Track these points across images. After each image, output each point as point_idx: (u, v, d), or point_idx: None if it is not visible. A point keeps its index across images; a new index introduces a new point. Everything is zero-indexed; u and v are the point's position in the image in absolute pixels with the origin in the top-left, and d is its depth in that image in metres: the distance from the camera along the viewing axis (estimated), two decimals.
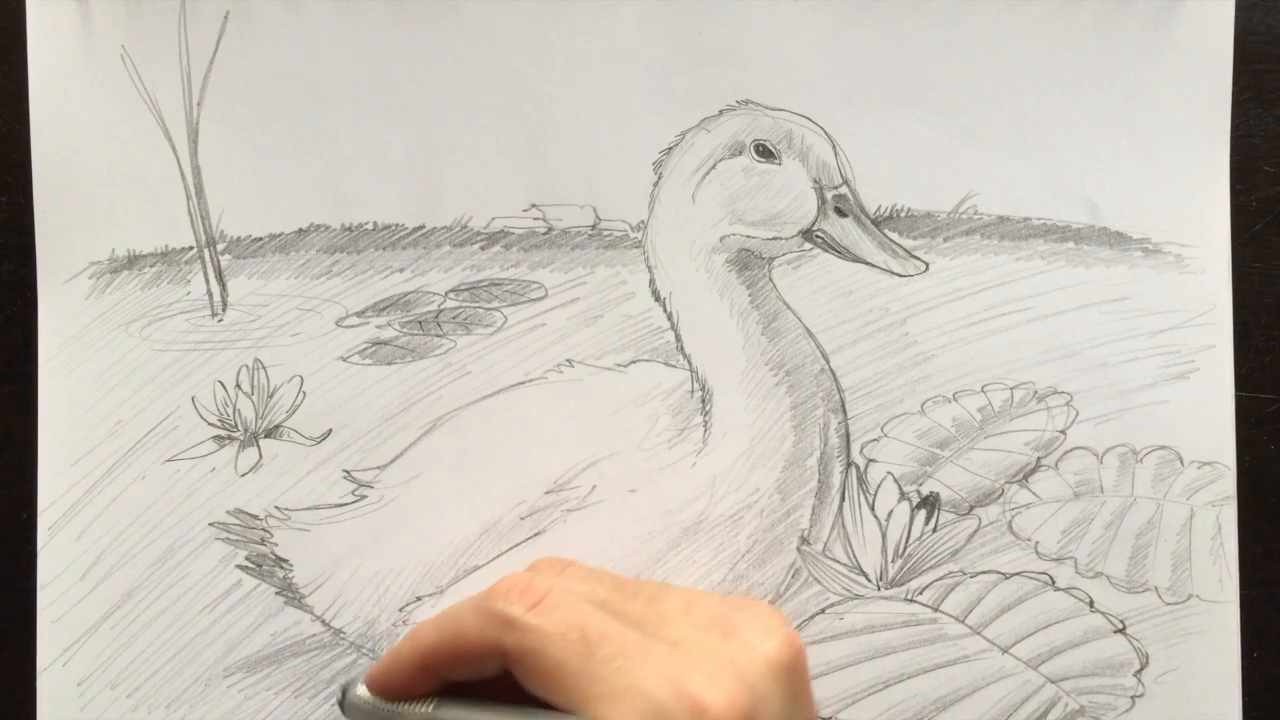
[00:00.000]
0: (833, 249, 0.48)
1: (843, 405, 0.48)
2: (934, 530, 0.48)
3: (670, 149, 0.48)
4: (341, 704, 0.43)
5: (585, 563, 0.45)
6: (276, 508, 0.48)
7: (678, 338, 0.48)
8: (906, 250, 0.48)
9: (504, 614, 0.40)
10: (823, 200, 0.48)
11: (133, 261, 0.48)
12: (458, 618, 0.41)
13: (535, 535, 0.48)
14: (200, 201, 0.48)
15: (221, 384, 0.48)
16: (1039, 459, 0.49)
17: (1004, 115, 0.48)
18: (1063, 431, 0.48)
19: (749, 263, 0.49)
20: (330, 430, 0.48)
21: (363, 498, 0.48)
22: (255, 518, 0.48)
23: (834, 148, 0.48)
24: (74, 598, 0.47)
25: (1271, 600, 0.49)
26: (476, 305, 0.49)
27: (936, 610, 0.48)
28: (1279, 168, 0.49)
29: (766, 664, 0.39)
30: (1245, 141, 0.49)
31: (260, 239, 0.48)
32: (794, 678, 0.40)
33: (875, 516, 0.48)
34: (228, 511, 0.48)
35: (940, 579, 0.48)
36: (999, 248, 0.48)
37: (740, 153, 0.48)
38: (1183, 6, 0.48)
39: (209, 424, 0.48)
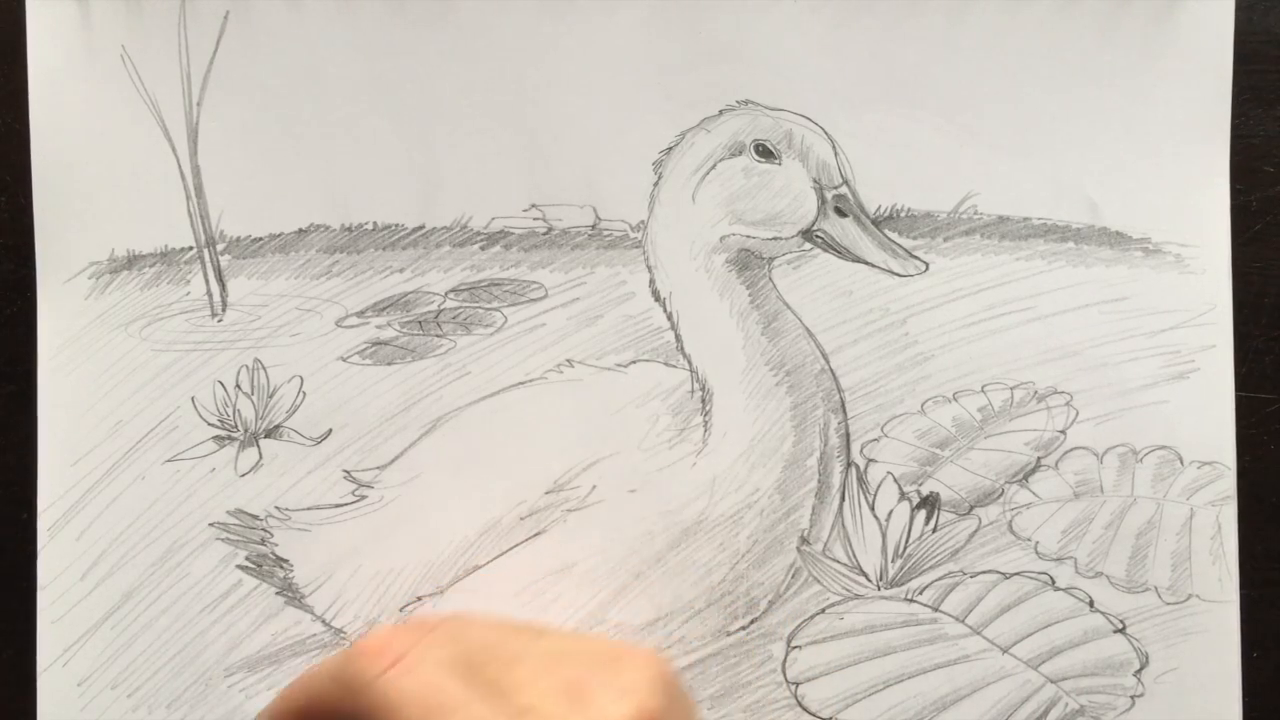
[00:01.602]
0: (833, 249, 0.48)
1: (843, 405, 0.48)
2: (934, 530, 0.48)
3: (670, 149, 0.48)
4: None
5: (457, 618, 0.44)
6: (277, 508, 0.48)
7: (678, 338, 0.48)
8: (906, 250, 0.48)
9: (355, 676, 0.39)
10: (823, 200, 0.48)
11: (132, 262, 0.48)
12: (315, 680, 0.41)
13: (535, 535, 0.48)
14: (200, 201, 0.48)
15: (221, 384, 0.48)
16: (1039, 459, 0.49)
17: (1004, 115, 0.48)
18: (1063, 431, 0.48)
19: (749, 263, 0.49)
20: (330, 430, 0.48)
21: (363, 498, 0.48)
22: (255, 518, 0.48)
23: (834, 148, 0.48)
24: (74, 598, 0.47)
25: (1271, 600, 0.49)
26: (476, 305, 0.49)
27: (936, 610, 0.48)
28: (1279, 168, 0.49)
29: None
30: (1245, 141, 0.49)
31: (260, 239, 0.48)
32: None
33: (875, 516, 0.48)
34: (228, 512, 0.48)
35: (940, 579, 0.48)
36: (999, 248, 0.48)
37: (740, 153, 0.48)
38: (1183, 6, 0.48)
39: (209, 424, 0.48)
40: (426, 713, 0.38)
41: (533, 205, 0.48)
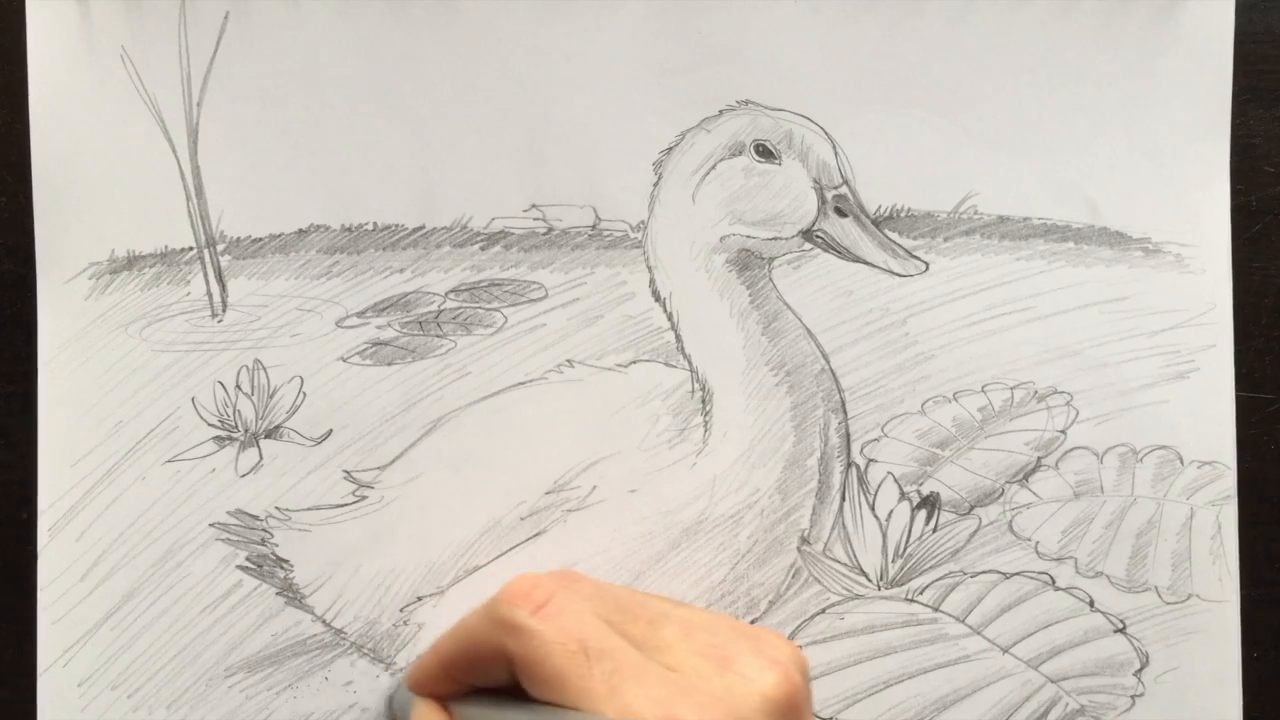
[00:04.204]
0: (833, 249, 0.48)
1: (843, 405, 0.48)
2: (934, 530, 0.48)
3: (670, 149, 0.48)
4: (391, 700, 0.47)
5: (592, 578, 0.45)
6: (277, 508, 0.48)
7: (678, 338, 0.48)
8: (906, 250, 0.48)
9: (508, 619, 0.40)
10: (823, 200, 0.48)
11: (132, 262, 0.48)
12: (469, 624, 0.42)
13: (535, 535, 0.48)
14: (200, 202, 0.48)
15: (221, 384, 0.48)
16: (1039, 459, 0.49)
17: (1004, 115, 0.48)
18: (1063, 431, 0.48)
19: (749, 263, 0.49)
20: (330, 431, 0.48)
21: (363, 498, 0.48)
22: (256, 518, 0.48)
23: (834, 148, 0.48)
24: (74, 598, 0.47)
25: (1271, 600, 0.49)
26: (476, 306, 0.49)
27: (937, 610, 0.48)
28: (1279, 168, 0.49)
29: (761, 699, 0.39)
30: (1245, 141, 0.49)
31: (260, 239, 0.48)
32: (788, 715, 0.39)
33: (875, 516, 0.48)
34: (228, 512, 0.48)
35: (940, 579, 0.48)
36: (999, 248, 0.48)
37: (740, 153, 0.48)
38: (1183, 6, 0.48)
39: (209, 425, 0.48)
40: (579, 652, 0.38)
41: (533, 205, 0.48)
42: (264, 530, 0.48)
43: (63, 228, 0.48)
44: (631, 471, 0.48)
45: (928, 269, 0.48)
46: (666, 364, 0.48)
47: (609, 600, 0.42)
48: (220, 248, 0.48)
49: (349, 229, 0.48)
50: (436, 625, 0.48)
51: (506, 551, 0.48)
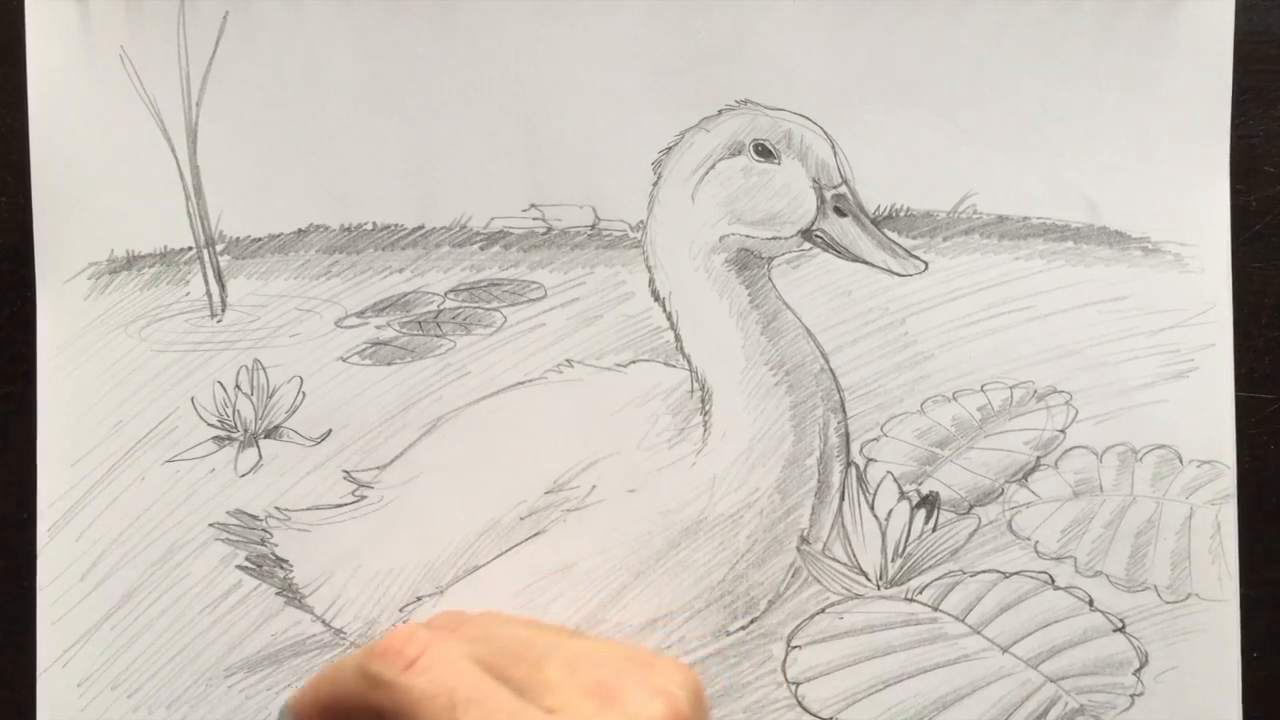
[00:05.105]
0: (832, 248, 0.48)
1: (842, 405, 0.48)
2: (934, 529, 0.48)
3: (669, 149, 0.48)
4: None
5: (489, 616, 0.45)
6: (276, 508, 0.48)
7: (677, 338, 0.48)
8: (906, 250, 0.48)
9: (378, 675, 0.40)
10: (822, 200, 0.48)
11: (132, 262, 0.48)
12: (340, 674, 0.42)
13: (535, 535, 0.48)
14: (199, 202, 0.48)
15: (221, 384, 0.48)
16: (1039, 458, 0.49)
17: (1003, 114, 0.48)
18: (1062, 430, 0.48)
19: (748, 262, 0.49)
20: (330, 430, 0.48)
21: (363, 498, 0.48)
22: (255, 518, 0.48)
23: (833, 147, 0.48)
24: (74, 598, 0.48)
25: (1271, 600, 0.49)
26: (476, 305, 0.49)
27: (936, 610, 0.48)
28: (1279, 167, 0.49)
29: None
30: (1245, 141, 0.49)
31: (259, 239, 0.48)
32: None
33: (875, 516, 0.48)
34: (228, 512, 0.48)
35: (940, 578, 0.48)
36: (998, 247, 0.48)
37: (739, 152, 0.48)
38: (1183, 6, 0.48)
39: (209, 424, 0.48)
40: (447, 705, 0.38)
41: (532, 205, 0.48)
42: (263, 530, 0.48)
43: (62, 228, 0.48)
44: (631, 471, 0.48)
45: (927, 268, 0.48)
46: (666, 364, 0.48)
47: (492, 643, 0.42)
48: (219, 248, 0.48)
49: (348, 229, 0.48)
50: None
51: (506, 551, 0.48)
